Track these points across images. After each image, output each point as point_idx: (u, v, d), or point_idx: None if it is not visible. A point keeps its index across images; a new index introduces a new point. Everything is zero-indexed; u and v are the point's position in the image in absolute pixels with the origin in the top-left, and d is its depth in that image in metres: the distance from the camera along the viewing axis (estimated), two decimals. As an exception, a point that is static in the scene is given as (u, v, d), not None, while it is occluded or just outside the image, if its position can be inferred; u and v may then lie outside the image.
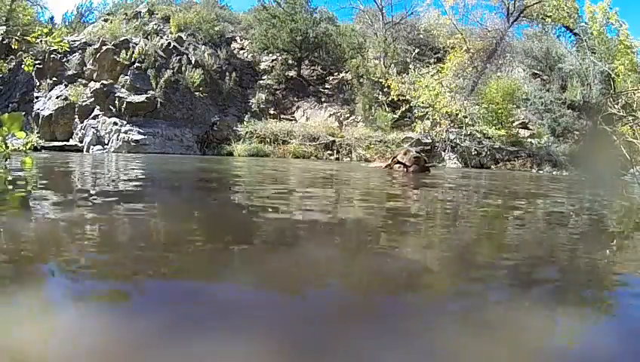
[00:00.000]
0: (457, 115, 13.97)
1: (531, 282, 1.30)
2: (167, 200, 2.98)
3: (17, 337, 0.74)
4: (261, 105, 16.39)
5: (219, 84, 16.26)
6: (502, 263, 1.54)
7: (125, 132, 13.25)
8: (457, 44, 16.28)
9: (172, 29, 17.61)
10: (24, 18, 19.21)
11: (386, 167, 8.00)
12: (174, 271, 1.22)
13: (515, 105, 15.13)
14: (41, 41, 5.07)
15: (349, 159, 13.69)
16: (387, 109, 15.42)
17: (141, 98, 13.88)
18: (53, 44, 5.11)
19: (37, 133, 13.25)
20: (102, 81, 14.19)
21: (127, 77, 14.39)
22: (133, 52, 14.84)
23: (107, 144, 13.25)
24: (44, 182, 3.79)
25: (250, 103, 16.51)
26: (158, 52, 15.41)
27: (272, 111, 16.49)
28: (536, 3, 15.85)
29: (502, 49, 16.33)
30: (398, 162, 7.49)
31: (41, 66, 14.91)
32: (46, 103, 14.47)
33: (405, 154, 7.73)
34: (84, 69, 15.05)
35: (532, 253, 1.70)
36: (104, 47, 14.83)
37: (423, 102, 14.24)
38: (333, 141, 14.20)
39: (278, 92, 17.51)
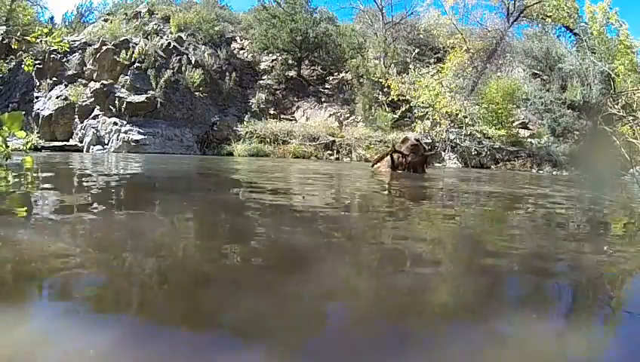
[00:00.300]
0: (457, 115, 13.97)
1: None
2: (169, 202, 2.98)
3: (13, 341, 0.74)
4: (261, 105, 16.39)
5: (219, 84, 16.27)
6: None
7: (125, 132, 13.25)
8: (457, 44, 16.28)
9: (172, 29, 17.61)
10: (24, 18, 19.23)
11: (376, 162, 7.21)
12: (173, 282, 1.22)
13: (515, 105, 15.13)
14: (41, 41, 5.08)
15: (349, 159, 13.69)
16: (387, 109, 15.43)
17: (141, 98, 13.88)
18: (53, 44, 5.11)
19: (37, 133, 13.26)
20: (102, 81, 14.19)
21: (127, 77, 14.40)
22: (133, 52, 14.84)
23: (107, 144, 13.25)
24: (47, 183, 3.79)
25: (250, 103, 16.52)
26: (158, 52, 15.42)
27: (272, 111, 16.49)
28: (536, 3, 15.85)
29: (502, 49, 16.33)
30: (396, 151, 6.74)
31: (41, 66, 14.91)
32: (46, 103, 14.47)
33: (403, 142, 6.89)
34: (84, 68, 15.05)
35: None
36: (104, 47, 14.83)
37: (423, 102, 14.24)
38: (333, 141, 14.20)
39: (278, 92, 17.51)
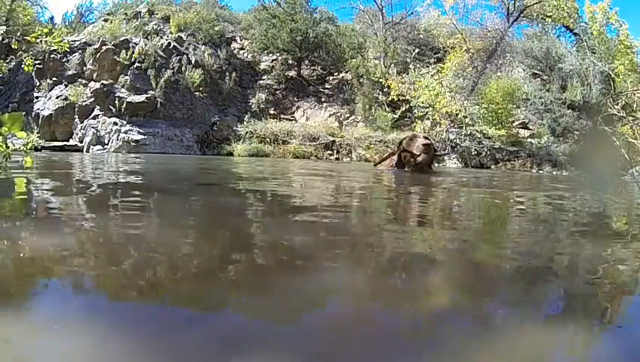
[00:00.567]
0: (457, 115, 13.96)
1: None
2: (169, 202, 2.98)
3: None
4: (261, 105, 16.39)
5: (219, 84, 16.26)
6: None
7: (125, 132, 13.25)
8: (457, 44, 16.27)
9: (172, 29, 17.60)
10: (24, 18, 19.23)
11: (380, 162, 6.79)
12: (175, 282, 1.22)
13: (515, 105, 15.12)
14: (41, 41, 5.07)
15: (349, 159, 13.69)
16: (387, 109, 15.43)
17: (141, 98, 13.88)
18: (53, 44, 5.11)
19: (37, 133, 13.26)
20: (102, 81, 14.19)
21: (127, 77, 14.39)
22: (133, 52, 14.84)
23: (107, 144, 13.25)
24: (47, 182, 3.79)
25: (250, 103, 16.52)
26: (158, 52, 15.41)
27: (272, 111, 16.49)
28: (536, 3, 15.84)
29: (502, 49, 16.32)
30: (404, 150, 6.25)
31: (41, 66, 14.91)
32: (46, 103, 14.47)
33: (412, 140, 6.29)
34: (84, 68, 15.05)
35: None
36: (104, 47, 14.83)
37: (423, 102, 14.23)
38: (333, 141, 14.20)
39: (278, 92, 17.51)
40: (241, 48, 19.45)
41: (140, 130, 13.39)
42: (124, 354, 0.73)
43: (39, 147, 11.70)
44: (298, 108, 17.06)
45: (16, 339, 0.76)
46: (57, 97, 14.44)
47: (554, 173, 11.89)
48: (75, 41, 15.43)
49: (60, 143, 13.37)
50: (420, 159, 6.14)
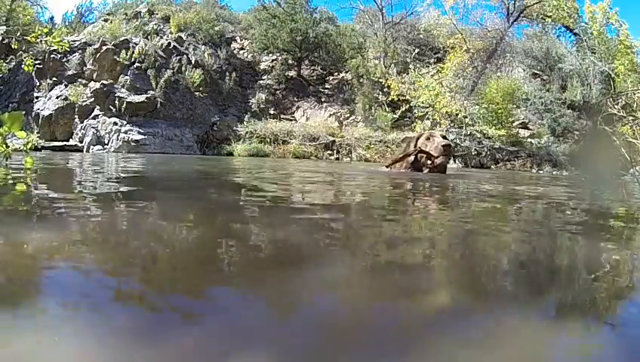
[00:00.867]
0: (457, 115, 13.98)
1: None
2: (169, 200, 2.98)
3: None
4: (261, 105, 16.41)
5: (219, 84, 16.28)
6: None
7: (125, 132, 13.26)
8: (457, 44, 16.30)
9: (172, 29, 17.63)
10: (24, 18, 19.26)
11: (394, 163, 5.98)
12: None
13: (515, 105, 15.14)
14: (41, 41, 5.09)
15: (348, 159, 13.70)
16: (387, 109, 15.45)
17: (141, 98, 13.89)
18: (53, 44, 5.12)
19: (37, 133, 13.28)
20: (102, 81, 14.21)
21: (127, 77, 14.41)
22: (133, 52, 14.86)
23: (107, 144, 13.26)
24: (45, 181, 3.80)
25: (250, 103, 16.53)
26: (158, 52, 15.43)
27: (272, 111, 16.51)
28: (536, 3, 15.86)
29: (502, 49, 16.34)
30: (421, 151, 5.61)
31: (41, 66, 14.92)
32: (46, 103, 14.48)
33: (429, 140, 5.60)
34: (84, 68, 15.07)
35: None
36: (104, 47, 14.85)
37: (423, 102, 14.26)
38: (333, 141, 14.21)
39: (278, 92, 17.54)
40: (241, 48, 19.47)
41: (140, 130, 13.40)
42: (122, 349, 0.73)
43: (39, 147, 11.73)
44: (298, 108, 17.08)
45: (15, 337, 0.76)
46: (57, 97, 14.46)
47: (554, 173, 11.90)
48: (75, 41, 15.45)
49: (60, 143, 13.38)
50: (438, 161, 5.53)
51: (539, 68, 17.98)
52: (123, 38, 15.57)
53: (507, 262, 1.44)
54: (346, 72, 17.88)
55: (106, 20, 18.71)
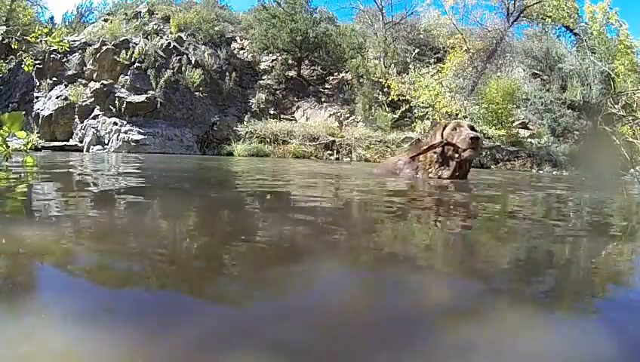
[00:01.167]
0: (457, 115, 13.98)
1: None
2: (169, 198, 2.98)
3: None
4: (261, 105, 16.41)
5: (219, 84, 16.28)
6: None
7: (125, 132, 13.26)
8: (457, 44, 16.30)
9: (172, 29, 17.63)
10: (24, 18, 19.27)
11: (417, 155, 5.23)
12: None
13: (515, 105, 15.14)
14: (41, 41, 5.09)
15: (348, 159, 13.69)
16: (387, 109, 15.44)
17: (141, 98, 13.89)
18: (53, 44, 5.12)
19: (37, 133, 13.28)
20: (102, 81, 14.21)
21: (127, 77, 14.41)
22: (133, 52, 14.85)
23: (107, 144, 13.26)
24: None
25: (250, 103, 16.53)
26: (158, 52, 15.43)
27: (272, 111, 16.51)
28: (536, 3, 15.86)
29: (502, 49, 16.34)
30: (448, 143, 4.96)
31: (41, 66, 14.92)
32: (46, 103, 14.48)
33: (455, 130, 4.98)
34: (84, 68, 15.07)
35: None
36: (104, 47, 14.85)
37: (423, 102, 14.26)
38: (333, 141, 14.21)
39: (278, 92, 17.53)
40: (241, 48, 19.47)
41: (140, 130, 13.40)
42: (120, 345, 0.73)
43: (39, 147, 11.73)
44: (298, 108, 17.07)
45: (14, 335, 0.76)
46: (57, 97, 14.46)
47: (554, 173, 11.90)
48: (75, 41, 15.45)
49: (60, 143, 13.38)
50: (465, 155, 4.91)
51: (539, 68, 17.98)
52: (123, 38, 15.57)
53: None
54: (346, 72, 17.87)
55: (106, 20, 18.70)
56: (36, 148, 10.67)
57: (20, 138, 2.82)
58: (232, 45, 19.14)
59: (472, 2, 17.03)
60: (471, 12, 17.22)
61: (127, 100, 13.70)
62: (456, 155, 4.98)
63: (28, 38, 5.08)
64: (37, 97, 14.87)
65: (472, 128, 5.12)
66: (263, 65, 18.55)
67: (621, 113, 9.04)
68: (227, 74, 16.49)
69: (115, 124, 13.41)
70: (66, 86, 14.68)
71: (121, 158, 8.91)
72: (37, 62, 14.40)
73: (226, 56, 17.52)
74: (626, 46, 15.32)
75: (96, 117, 13.85)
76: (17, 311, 0.86)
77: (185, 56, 15.83)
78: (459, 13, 17.57)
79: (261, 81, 17.76)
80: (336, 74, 18.45)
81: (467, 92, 14.96)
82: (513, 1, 15.73)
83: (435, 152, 5.09)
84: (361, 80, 16.80)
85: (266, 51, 18.25)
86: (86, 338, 0.76)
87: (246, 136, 14.18)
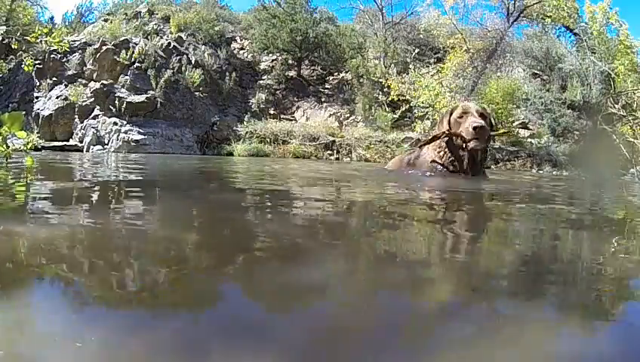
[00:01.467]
0: (457, 115, 13.97)
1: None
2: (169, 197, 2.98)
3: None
4: (261, 105, 16.41)
5: (219, 84, 16.28)
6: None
7: (125, 132, 13.26)
8: (457, 44, 16.28)
9: (172, 29, 17.63)
10: (24, 18, 19.26)
11: (425, 144, 4.76)
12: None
13: (515, 105, 15.13)
14: (41, 41, 5.09)
15: (349, 159, 13.69)
16: (387, 109, 15.44)
17: (141, 98, 13.89)
18: (53, 44, 5.12)
19: (37, 133, 13.28)
20: (102, 81, 14.21)
21: (127, 77, 14.41)
22: (133, 52, 14.85)
23: (107, 144, 13.26)
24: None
25: (250, 103, 16.53)
26: (158, 52, 15.43)
27: (272, 111, 16.51)
28: (536, 3, 15.84)
29: (502, 49, 16.32)
30: (452, 134, 4.42)
31: (41, 66, 14.93)
32: (46, 103, 14.49)
33: (461, 117, 4.41)
34: (84, 68, 15.07)
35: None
36: (104, 47, 14.85)
37: (423, 102, 14.24)
38: (333, 141, 14.21)
39: (278, 92, 17.53)
40: (241, 48, 19.47)
41: (140, 130, 13.40)
42: (118, 345, 0.73)
43: (39, 147, 11.73)
44: (298, 108, 17.07)
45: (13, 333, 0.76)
46: (57, 97, 14.46)
47: (554, 173, 11.90)
48: (75, 41, 15.45)
49: (60, 143, 13.38)
50: (471, 145, 4.30)
51: (539, 68, 17.97)
52: (123, 38, 15.57)
53: None
54: (346, 72, 17.87)
55: (106, 20, 18.70)
56: (36, 148, 10.67)
57: (20, 138, 2.83)
58: (232, 45, 19.14)
59: (472, 2, 17.01)
60: (471, 12, 17.20)
61: (127, 100, 13.70)
62: (464, 145, 4.35)
63: (28, 38, 5.09)
64: (37, 97, 14.87)
65: (482, 114, 4.50)
66: (263, 65, 18.55)
67: (621, 113, 9.05)
68: (227, 74, 16.49)
69: (115, 124, 13.41)
70: (66, 86, 14.69)
71: (121, 158, 8.92)
72: (37, 62, 14.40)
73: (226, 56, 17.52)
74: (626, 46, 15.31)
75: (96, 117, 13.85)
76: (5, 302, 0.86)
77: (185, 56, 15.83)
78: (459, 13, 17.55)
79: (261, 81, 17.76)
80: (336, 74, 18.45)
81: (467, 92, 14.95)
82: (513, 1, 15.72)
83: (440, 145, 4.51)
84: (361, 80, 16.80)
85: (266, 51, 18.25)
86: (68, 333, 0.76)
87: (246, 136, 14.18)
